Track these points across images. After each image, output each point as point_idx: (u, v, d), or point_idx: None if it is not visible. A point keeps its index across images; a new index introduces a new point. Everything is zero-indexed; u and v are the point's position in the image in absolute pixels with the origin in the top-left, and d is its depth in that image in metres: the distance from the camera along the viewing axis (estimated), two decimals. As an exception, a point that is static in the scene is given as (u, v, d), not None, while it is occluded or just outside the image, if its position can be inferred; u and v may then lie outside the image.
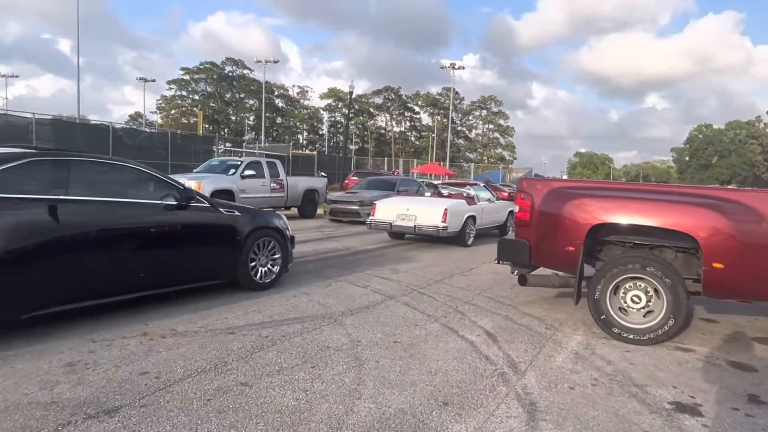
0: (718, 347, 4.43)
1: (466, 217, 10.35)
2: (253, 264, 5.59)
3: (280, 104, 79.53)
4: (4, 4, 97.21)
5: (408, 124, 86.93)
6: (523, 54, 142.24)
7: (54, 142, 20.34)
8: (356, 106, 76.22)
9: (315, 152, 53.72)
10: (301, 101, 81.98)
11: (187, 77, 72.27)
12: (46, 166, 4.09)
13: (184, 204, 4.93)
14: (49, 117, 23.34)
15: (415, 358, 3.78)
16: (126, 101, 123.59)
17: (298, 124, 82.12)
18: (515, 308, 5.45)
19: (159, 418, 2.71)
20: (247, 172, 13.23)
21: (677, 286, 4.26)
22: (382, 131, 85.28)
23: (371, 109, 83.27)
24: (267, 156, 23.86)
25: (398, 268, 7.54)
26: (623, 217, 4.54)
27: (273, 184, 14.03)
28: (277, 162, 14.82)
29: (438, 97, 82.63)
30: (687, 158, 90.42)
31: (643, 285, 4.46)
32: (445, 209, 9.74)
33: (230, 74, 74.27)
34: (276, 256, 5.85)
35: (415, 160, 56.53)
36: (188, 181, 9.98)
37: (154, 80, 63.44)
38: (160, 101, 73.12)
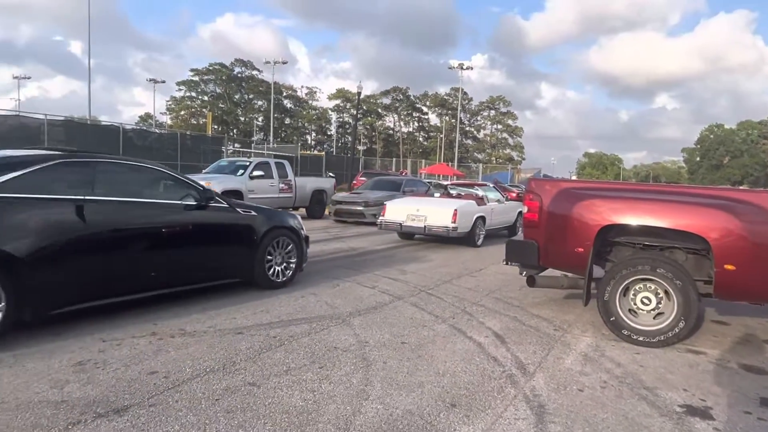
0: (730, 350, 4.38)
1: (475, 217, 10.38)
2: (269, 263, 5.70)
3: (289, 105, 79.77)
4: (17, 7, 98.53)
5: (416, 124, 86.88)
6: (532, 54, 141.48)
7: (65, 143, 20.50)
8: (364, 107, 76.28)
9: (323, 153, 53.82)
10: (310, 102, 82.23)
11: (196, 78, 72.74)
12: (73, 168, 4.23)
13: (204, 204, 5.06)
14: (61, 118, 23.60)
15: (422, 359, 3.77)
16: (136, 102, 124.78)
17: (306, 124, 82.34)
18: (524, 309, 5.42)
19: (167, 417, 2.72)
20: (256, 173, 13.29)
21: (688, 287, 4.21)
22: (391, 132, 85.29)
23: (379, 110, 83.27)
24: (275, 157, 23.95)
25: (406, 268, 7.53)
26: (633, 218, 4.50)
27: (281, 185, 14.07)
28: (286, 162, 14.88)
29: (446, 97, 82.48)
30: (698, 159, 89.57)
31: (653, 287, 4.42)
32: (455, 210, 9.77)
33: (239, 75, 74.64)
34: (291, 255, 5.97)
35: (424, 161, 56.47)
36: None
37: (163, 81, 64.18)
38: (170, 102, 73.66)
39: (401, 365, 3.63)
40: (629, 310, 4.49)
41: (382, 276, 6.86)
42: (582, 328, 4.81)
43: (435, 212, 9.92)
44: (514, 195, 15.83)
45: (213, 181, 11.85)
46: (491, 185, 14.43)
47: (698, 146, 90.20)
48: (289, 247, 5.94)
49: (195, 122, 68.73)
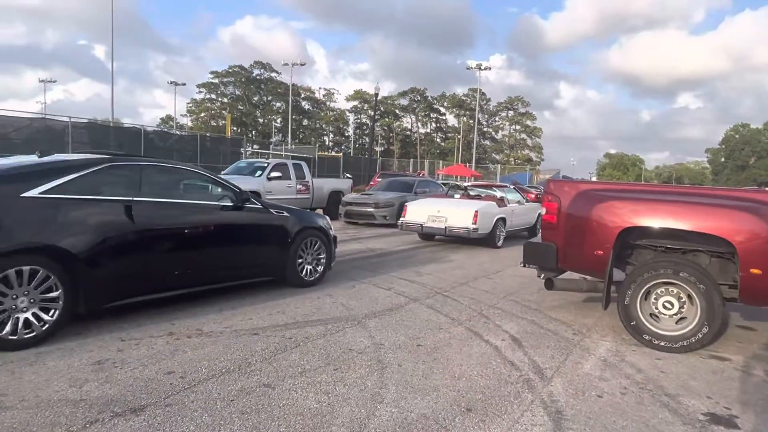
0: (756, 356, 4.25)
1: (496, 219, 10.40)
2: (300, 262, 5.91)
3: (307, 106, 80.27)
4: (44, 12, 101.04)
5: (434, 125, 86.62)
6: (551, 54, 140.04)
7: (89, 144, 20.93)
8: (382, 108, 76.36)
9: (341, 154, 54.01)
10: (328, 103, 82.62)
11: (216, 81, 73.72)
12: (121, 171, 4.48)
13: (240, 205, 5.27)
14: (85, 120, 24.05)
15: (438, 362, 3.73)
16: (157, 104, 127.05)
17: (324, 126, 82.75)
18: (541, 313, 5.34)
19: (183, 417, 2.74)
20: (274, 174, 13.39)
21: (712, 292, 4.10)
22: (408, 132, 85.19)
23: (397, 111, 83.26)
24: (293, 158, 24.11)
25: (422, 270, 7.49)
26: (655, 220, 4.40)
27: (299, 186, 14.14)
28: (303, 164, 14.94)
29: (464, 98, 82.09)
30: (722, 159, 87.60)
31: (675, 291, 4.32)
32: (476, 211, 9.79)
33: (258, 77, 75.39)
34: (321, 255, 6.19)
35: (441, 162, 56.29)
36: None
37: (184, 84, 65.24)
38: (190, 104, 74.75)
39: (416, 368, 3.60)
40: (651, 314, 4.39)
41: (399, 277, 6.83)
42: (601, 333, 4.72)
43: (456, 213, 9.97)
44: (532, 196, 15.68)
45: (231, 183, 11.98)
46: (511, 186, 14.34)
47: (723, 146, 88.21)
48: (319, 247, 6.16)
49: (215, 124, 69.65)
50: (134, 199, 4.37)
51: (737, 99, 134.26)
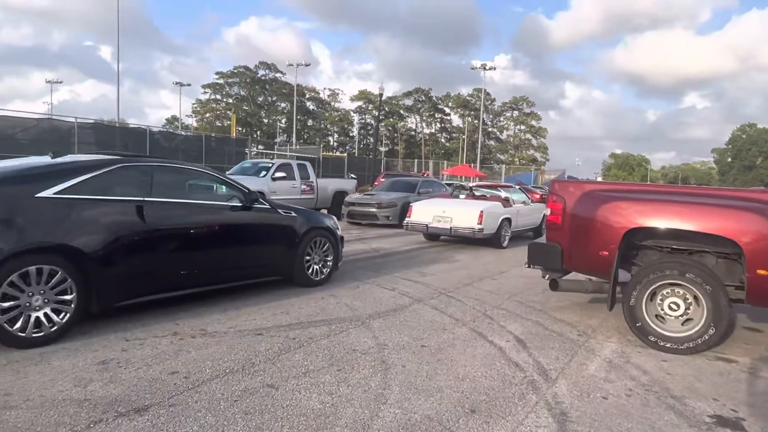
0: (763, 358, 4.21)
1: (501, 219, 10.41)
2: (308, 262, 5.97)
3: (311, 107, 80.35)
4: (50, 14, 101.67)
5: (438, 125, 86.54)
6: (556, 53, 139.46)
7: (95, 145, 21.06)
8: (386, 108, 76.36)
9: (345, 154, 54.05)
10: (332, 104, 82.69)
11: (221, 81, 73.88)
12: (132, 171, 4.54)
13: (249, 205, 5.33)
14: (91, 121, 24.23)
15: (442, 363, 3.72)
16: (163, 105, 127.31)
17: (328, 126, 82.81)
18: (546, 314, 5.32)
19: (187, 418, 2.74)
20: (278, 174, 13.40)
21: (718, 293, 4.07)
22: (413, 133, 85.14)
23: (401, 111, 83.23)
24: (298, 158, 24.15)
25: (426, 270, 7.48)
26: (661, 220, 4.37)
27: (303, 186, 14.15)
28: (308, 164, 14.95)
29: (469, 98, 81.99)
30: (729, 159, 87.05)
31: (681, 292, 4.28)
32: (481, 211, 9.82)
33: (263, 78, 75.52)
34: (328, 255, 6.25)
35: (446, 162, 56.21)
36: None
37: (189, 84, 65.35)
38: (196, 105, 74.92)
39: (420, 369, 3.59)
40: (656, 315, 4.36)
41: (403, 278, 6.82)
42: (606, 334, 4.69)
43: (461, 214, 10.00)
44: (537, 197, 15.64)
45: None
46: (516, 187, 14.32)
47: (729, 146, 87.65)
48: (326, 247, 6.21)
49: (219, 124, 69.82)
50: (145, 199, 4.44)
51: (744, 99, 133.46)
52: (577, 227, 4.75)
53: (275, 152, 35.38)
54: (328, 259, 6.23)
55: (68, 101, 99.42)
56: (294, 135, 55.62)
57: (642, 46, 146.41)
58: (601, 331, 4.76)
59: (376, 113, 58.16)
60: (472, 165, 52.37)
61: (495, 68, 53.94)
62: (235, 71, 73.67)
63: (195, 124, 72.76)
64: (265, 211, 5.53)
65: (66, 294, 3.83)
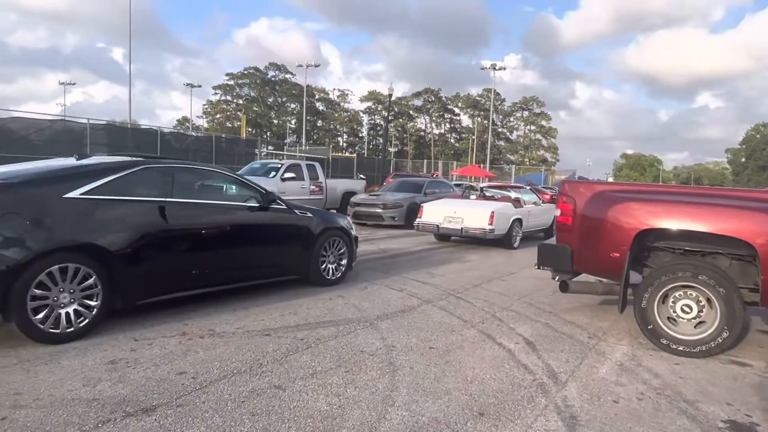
0: (778, 362, 4.13)
1: (512, 220, 10.40)
2: (323, 262, 6.05)
3: (321, 108, 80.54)
4: (63, 16, 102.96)
5: (448, 125, 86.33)
6: (567, 53, 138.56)
7: (107, 146, 21.27)
8: (396, 109, 76.33)
9: (354, 155, 54.11)
10: (342, 104, 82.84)
11: (231, 82, 74.31)
12: (154, 172, 4.64)
13: (266, 206, 5.42)
14: (103, 122, 24.46)
15: (450, 365, 3.70)
16: (174, 106, 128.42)
17: (338, 126, 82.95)
18: (556, 315, 5.27)
19: (194, 418, 2.74)
20: (287, 175, 13.45)
21: (732, 295, 4.00)
22: (422, 133, 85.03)
23: (411, 111, 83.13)
24: (307, 159, 24.20)
25: (435, 271, 7.45)
26: (673, 222, 4.31)
27: (312, 187, 14.19)
28: (317, 165, 14.99)
29: (478, 98, 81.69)
30: (743, 159, 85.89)
31: (694, 294, 4.22)
32: (492, 212, 9.80)
33: (273, 79, 75.80)
34: (343, 254, 6.32)
35: (455, 162, 56.04)
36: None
37: (200, 86, 65.57)
38: (206, 106, 75.42)
39: (428, 371, 3.57)
40: (668, 318, 4.30)
41: (411, 279, 6.80)
42: (617, 336, 4.63)
43: (472, 214, 9.99)
44: (547, 197, 15.53)
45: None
46: (527, 187, 14.26)
47: (743, 146, 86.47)
48: (341, 247, 6.29)
49: (230, 125, 70.22)
50: (167, 200, 4.54)
51: (758, 98, 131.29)
52: (588, 228, 4.69)
53: (285, 153, 35.48)
54: (343, 258, 6.30)
55: (81, 103, 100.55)
56: (303, 136, 55.78)
57: (654, 45, 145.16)
58: (612, 334, 4.71)
59: (386, 114, 58.13)
60: (482, 165, 52.18)
61: (505, 68, 53.71)
62: (246, 72, 74.08)
63: (206, 125, 73.25)
64: (281, 211, 5.62)
65: (92, 291, 3.95)
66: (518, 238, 10.68)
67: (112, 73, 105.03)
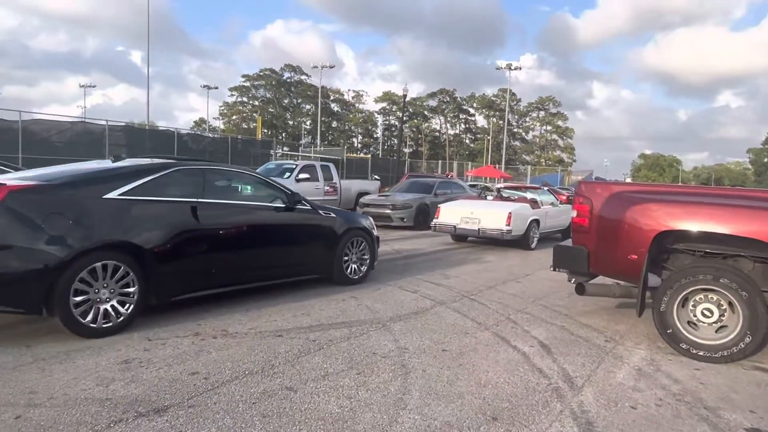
0: (804, 368, 4.00)
1: (530, 220, 10.33)
2: (346, 261, 6.15)
3: (336, 108, 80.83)
4: (84, 20, 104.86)
5: (463, 126, 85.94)
6: (583, 53, 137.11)
7: (126, 147, 21.60)
8: (410, 109, 76.23)
9: (369, 155, 54.17)
10: (356, 105, 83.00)
11: (247, 84, 74.97)
12: (186, 174, 4.80)
13: (292, 207, 5.56)
14: (122, 124, 24.83)
15: (463, 368, 3.65)
16: (191, 108, 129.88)
17: (353, 127, 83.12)
18: (572, 318, 5.18)
19: (205, 419, 2.74)
20: (302, 176, 13.51)
21: (755, 299, 3.88)
22: (437, 134, 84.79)
23: (426, 112, 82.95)
24: (322, 159, 24.28)
25: (450, 273, 7.39)
26: (693, 223, 4.20)
27: (326, 188, 14.22)
28: (331, 165, 15.02)
29: (494, 98, 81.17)
30: (765, 160, 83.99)
31: (715, 298, 4.11)
32: (510, 213, 9.76)
33: (288, 80, 76.28)
34: (365, 254, 6.40)
35: (470, 163, 55.81)
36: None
37: (216, 87, 65.93)
38: (222, 107, 76.21)
39: (441, 374, 3.52)
40: (688, 322, 4.19)
41: (425, 280, 6.75)
42: (635, 340, 4.53)
43: (489, 215, 9.96)
44: (564, 198, 15.36)
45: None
46: (545, 188, 14.13)
47: (766, 146, 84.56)
48: (363, 247, 6.38)
49: (246, 126, 70.85)
50: (199, 200, 4.69)
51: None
52: (605, 230, 4.60)
53: (300, 154, 35.66)
54: (365, 258, 6.38)
55: (101, 105, 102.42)
56: (318, 137, 56.03)
57: (673, 43, 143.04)
58: (630, 338, 4.61)
59: (400, 114, 58.06)
60: (497, 166, 51.80)
61: (520, 68, 53.19)
62: (261, 74, 74.63)
63: (222, 127, 73.97)
64: (306, 212, 5.74)
65: (129, 287, 4.11)
66: (536, 239, 10.61)
67: (131, 76, 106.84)
